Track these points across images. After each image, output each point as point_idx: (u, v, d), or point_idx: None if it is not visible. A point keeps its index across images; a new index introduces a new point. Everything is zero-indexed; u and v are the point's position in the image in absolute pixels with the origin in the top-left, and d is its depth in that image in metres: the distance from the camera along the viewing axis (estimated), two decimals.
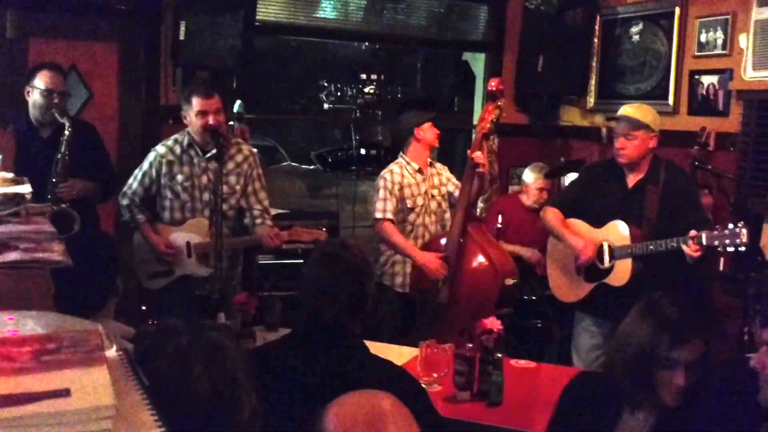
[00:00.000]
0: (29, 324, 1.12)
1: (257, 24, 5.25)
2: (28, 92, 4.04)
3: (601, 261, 3.87)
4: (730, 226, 3.43)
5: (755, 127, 4.79)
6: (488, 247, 4.06)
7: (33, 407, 0.89)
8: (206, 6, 4.88)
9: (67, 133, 3.83)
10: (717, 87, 5.00)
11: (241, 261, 4.35)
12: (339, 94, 10.45)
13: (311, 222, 4.83)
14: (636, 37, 5.64)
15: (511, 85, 6.15)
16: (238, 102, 4.99)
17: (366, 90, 10.17)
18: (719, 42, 4.96)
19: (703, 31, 5.08)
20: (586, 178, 4.19)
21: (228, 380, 1.36)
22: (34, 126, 4.09)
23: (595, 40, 5.95)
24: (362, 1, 6.00)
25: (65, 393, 0.92)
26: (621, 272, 3.80)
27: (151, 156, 4.07)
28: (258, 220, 4.12)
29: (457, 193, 4.32)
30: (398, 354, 3.35)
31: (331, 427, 1.41)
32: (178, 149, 4.04)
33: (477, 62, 6.58)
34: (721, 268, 4.77)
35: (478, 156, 4.00)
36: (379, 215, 4.28)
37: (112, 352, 1.14)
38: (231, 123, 4.62)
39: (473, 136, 4.21)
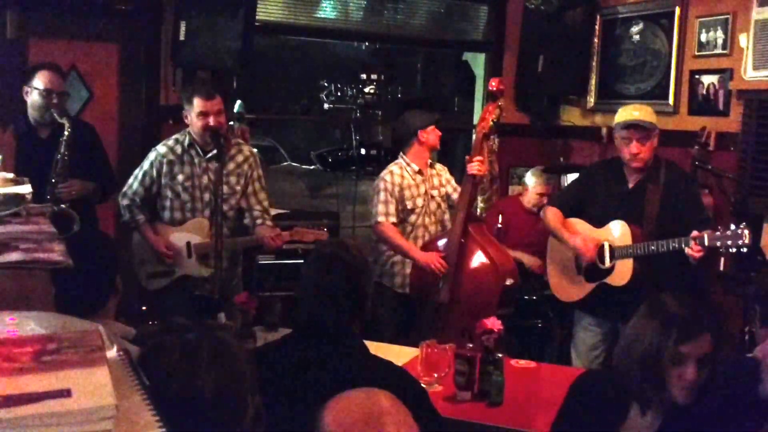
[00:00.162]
0: (30, 324, 1.12)
1: (257, 24, 5.25)
2: (27, 92, 4.04)
3: (602, 261, 3.87)
4: (732, 226, 3.43)
5: (755, 126, 4.78)
6: (489, 247, 4.06)
7: (34, 408, 0.89)
8: (206, 6, 4.88)
9: (66, 133, 3.83)
10: (717, 87, 5.00)
11: (240, 261, 4.35)
12: (339, 94, 10.46)
13: (311, 222, 4.83)
14: (636, 37, 5.64)
15: (512, 85, 6.15)
16: (238, 102, 4.99)
17: (366, 90, 10.17)
18: (719, 42, 4.96)
19: (704, 30, 5.08)
20: (586, 178, 4.19)
21: (233, 379, 1.36)
22: (33, 126, 4.08)
23: (596, 39, 5.94)
24: (362, 1, 6.00)
25: (66, 393, 0.92)
26: (622, 272, 3.80)
27: (151, 155, 4.06)
28: (258, 221, 4.13)
29: (455, 196, 4.33)
30: (398, 354, 3.35)
31: (330, 425, 1.41)
32: (179, 149, 4.03)
33: (477, 62, 6.58)
34: (721, 267, 4.76)
35: (472, 166, 4.01)
36: (381, 218, 4.29)
37: (112, 353, 1.14)
38: (231, 123, 4.62)
39: (473, 136, 4.21)
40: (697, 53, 5.15)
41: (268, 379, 2.14)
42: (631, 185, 3.89)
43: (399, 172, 4.36)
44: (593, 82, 5.99)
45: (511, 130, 5.92)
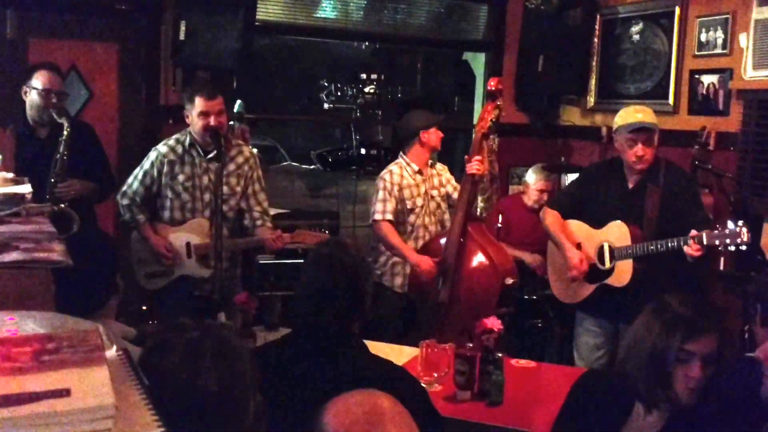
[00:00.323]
0: (29, 324, 1.12)
1: (257, 24, 5.25)
2: (26, 92, 4.04)
3: (602, 262, 3.87)
4: (731, 225, 3.42)
5: (755, 126, 4.78)
6: (488, 247, 4.06)
7: (33, 407, 0.89)
8: (206, 6, 4.88)
9: (65, 133, 3.82)
10: (717, 86, 5.00)
11: (239, 261, 4.35)
12: (339, 93, 10.44)
13: (311, 221, 4.83)
14: (636, 37, 5.63)
15: (512, 85, 6.16)
16: (239, 102, 4.99)
17: (366, 90, 10.15)
18: (719, 41, 4.96)
19: (703, 30, 5.08)
20: (586, 178, 4.19)
21: (235, 377, 1.37)
22: (32, 126, 4.08)
23: (595, 39, 5.94)
24: (362, 1, 6.00)
25: (65, 393, 0.92)
26: (622, 273, 3.80)
27: (152, 155, 4.06)
28: (258, 222, 4.13)
29: (455, 196, 4.32)
30: (399, 354, 3.35)
31: (329, 426, 1.41)
32: (179, 149, 4.03)
33: (477, 62, 6.58)
34: (721, 267, 4.76)
35: (471, 166, 4.01)
36: (378, 216, 4.29)
37: (112, 352, 1.14)
38: (231, 123, 4.62)
39: (473, 136, 4.21)
40: (697, 53, 5.15)
41: (267, 378, 2.14)
42: (631, 185, 3.89)
43: (399, 172, 4.36)
44: (593, 81, 5.99)
45: (511, 130, 5.91)
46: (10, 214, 1.70)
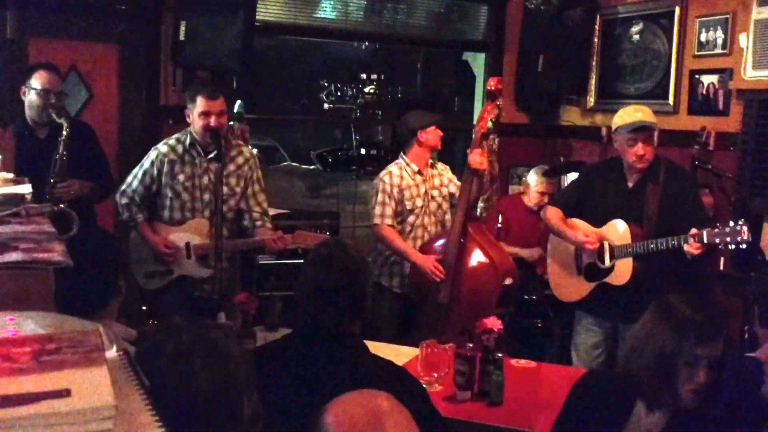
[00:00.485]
0: (29, 324, 1.12)
1: (257, 24, 5.25)
2: (24, 92, 4.03)
3: (602, 260, 3.87)
4: (731, 223, 3.43)
5: (755, 126, 4.78)
6: (488, 247, 4.06)
7: (33, 408, 0.89)
8: (206, 6, 4.88)
9: (65, 133, 3.82)
10: (717, 86, 5.00)
11: (238, 261, 4.34)
12: (339, 94, 10.45)
13: (311, 222, 4.83)
14: (636, 37, 5.64)
15: (512, 85, 6.16)
16: (239, 102, 4.99)
17: (366, 90, 10.17)
18: (719, 41, 4.96)
19: (703, 30, 5.08)
20: (586, 178, 4.20)
21: (228, 379, 1.36)
22: (31, 126, 4.08)
23: (595, 39, 5.94)
24: (362, 1, 6.00)
25: (65, 393, 0.92)
26: (622, 271, 3.81)
27: (152, 154, 4.05)
28: (258, 223, 4.12)
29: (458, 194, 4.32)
30: (398, 354, 3.35)
31: (330, 426, 1.41)
32: (180, 149, 4.03)
33: (477, 62, 6.58)
34: (721, 267, 4.77)
35: (474, 159, 4.00)
36: (377, 221, 4.30)
37: (112, 353, 1.14)
38: (231, 123, 4.62)
39: (473, 136, 4.20)
40: (696, 53, 5.15)
41: (268, 379, 2.14)
42: (631, 185, 3.89)
43: (398, 173, 4.36)
44: (593, 81, 5.99)
45: (511, 130, 5.92)
46: (10, 214, 1.70)
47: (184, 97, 4.25)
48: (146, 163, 4.05)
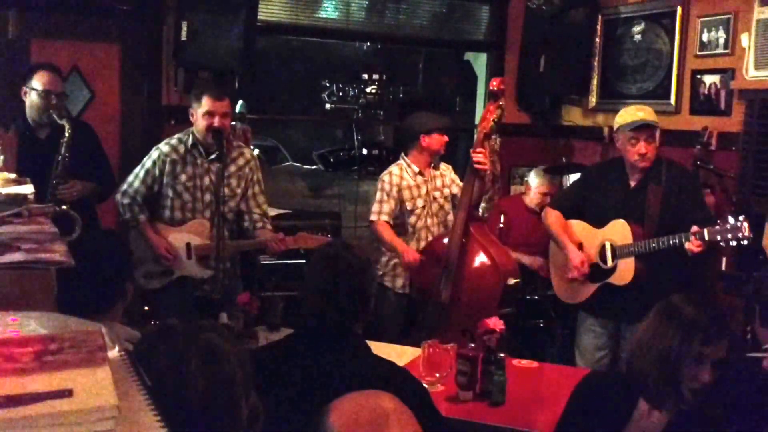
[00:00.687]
0: (31, 324, 1.12)
1: (259, 24, 5.25)
2: (25, 93, 4.02)
3: (604, 261, 3.87)
4: (731, 220, 3.43)
5: (757, 126, 4.78)
6: (490, 247, 4.06)
7: (35, 408, 0.89)
8: (208, 6, 4.88)
9: (67, 135, 3.82)
10: (719, 86, 5.00)
11: (238, 262, 4.34)
12: (341, 94, 10.45)
13: (313, 222, 4.83)
14: (638, 37, 5.63)
15: (513, 85, 6.16)
16: (240, 102, 4.99)
17: (368, 90, 10.17)
18: (721, 41, 4.96)
19: (705, 30, 5.08)
20: (587, 178, 4.20)
21: (224, 380, 1.36)
22: (32, 127, 4.07)
23: (597, 39, 5.94)
24: (364, 1, 6.00)
25: (67, 393, 0.92)
26: (624, 271, 3.80)
27: (154, 154, 4.05)
28: (258, 224, 4.13)
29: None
30: (400, 354, 3.35)
31: (334, 427, 1.41)
32: (182, 149, 4.03)
33: (479, 62, 6.58)
34: (723, 267, 4.76)
35: (477, 156, 3.99)
36: (373, 217, 4.31)
37: (114, 353, 1.14)
38: (233, 123, 4.62)
39: (475, 136, 4.19)
40: (698, 53, 5.15)
41: (269, 379, 2.14)
42: (632, 184, 3.89)
43: (398, 173, 4.36)
44: (595, 81, 5.98)
45: (512, 130, 5.91)
46: (12, 214, 1.70)
47: (188, 96, 4.25)
48: (148, 162, 4.05)
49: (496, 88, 4.07)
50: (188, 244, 3.99)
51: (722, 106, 4.97)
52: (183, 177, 4.01)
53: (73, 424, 0.89)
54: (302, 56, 10.74)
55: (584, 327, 4.08)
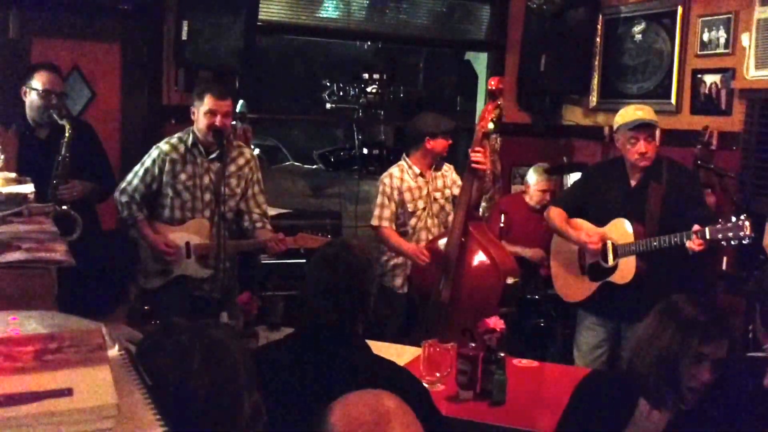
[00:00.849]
0: (31, 324, 1.12)
1: (260, 24, 5.25)
2: (26, 93, 4.02)
3: (605, 259, 3.87)
4: (733, 219, 3.43)
5: (758, 126, 4.78)
6: (489, 246, 4.06)
7: (35, 407, 0.89)
8: (209, 6, 4.88)
9: (67, 135, 3.81)
10: (719, 86, 5.00)
11: (237, 261, 4.34)
12: (341, 93, 10.43)
13: (313, 221, 4.82)
14: (638, 36, 5.63)
15: (514, 85, 6.15)
16: (241, 102, 4.99)
17: (368, 89, 10.14)
18: (722, 41, 4.96)
19: (706, 30, 5.07)
20: (589, 178, 4.20)
21: (228, 378, 1.36)
22: (32, 127, 4.07)
23: (598, 39, 5.93)
24: (364, 1, 6.00)
25: (67, 392, 0.92)
26: (625, 270, 3.80)
27: (154, 153, 4.05)
28: (258, 224, 4.13)
29: None
30: (401, 354, 3.35)
31: (336, 426, 1.41)
32: (182, 148, 4.03)
33: (479, 62, 6.57)
34: (724, 267, 4.76)
35: (476, 156, 3.99)
36: (375, 222, 4.32)
37: (114, 352, 1.14)
38: (234, 123, 4.62)
39: (474, 136, 4.18)
40: (699, 52, 5.14)
41: (270, 378, 2.14)
42: (633, 184, 3.89)
43: (399, 175, 4.36)
44: (595, 81, 5.98)
45: (513, 130, 5.92)
46: (12, 213, 1.70)
47: (189, 95, 4.25)
48: (147, 161, 4.04)
49: (494, 88, 4.07)
50: (188, 244, 3.99)
51: (723, 105, 4.97)
52: (183, 176, 4.01)
53: (73, 423, 0.90)
54: (303, 56, 10.74)
55: (583, 325, 4.08)
